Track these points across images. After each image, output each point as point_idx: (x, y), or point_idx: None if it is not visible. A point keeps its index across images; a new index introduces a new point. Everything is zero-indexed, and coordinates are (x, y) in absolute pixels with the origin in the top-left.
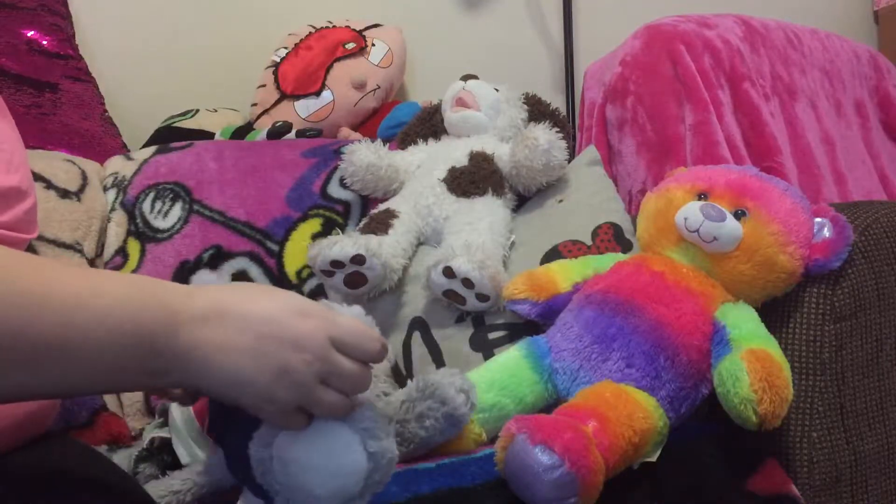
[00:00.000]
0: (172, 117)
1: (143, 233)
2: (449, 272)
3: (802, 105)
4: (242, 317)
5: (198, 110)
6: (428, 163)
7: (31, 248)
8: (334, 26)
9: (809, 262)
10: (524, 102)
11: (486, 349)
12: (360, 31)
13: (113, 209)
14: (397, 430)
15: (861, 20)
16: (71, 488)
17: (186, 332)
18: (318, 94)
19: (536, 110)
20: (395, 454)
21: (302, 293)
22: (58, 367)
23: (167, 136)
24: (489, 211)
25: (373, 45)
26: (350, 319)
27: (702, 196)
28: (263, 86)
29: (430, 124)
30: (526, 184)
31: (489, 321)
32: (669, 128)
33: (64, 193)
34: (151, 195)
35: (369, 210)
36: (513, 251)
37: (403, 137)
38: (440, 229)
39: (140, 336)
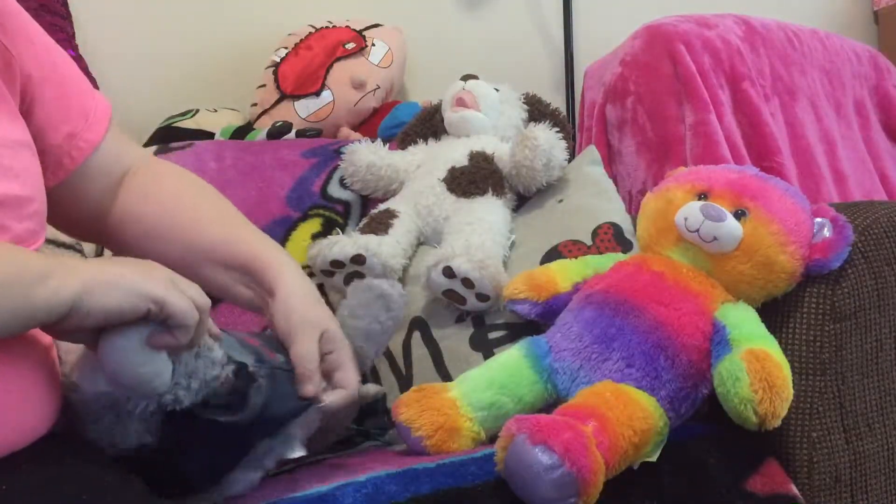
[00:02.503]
0: (172, 117)
1: None
2: (449, 272)
3: (802, 105)
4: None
5: (198, 110)
6: (428, 163)
7: None
8: (334, 26)
9: (809, 262)
10: (524, 102)
11: (486, 349)
12: (360, 31)
13: None
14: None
15: (861, 20)
16: (72, 487)
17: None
18: (318, 94)
19: (536, 110)
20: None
21: None
22: None
23: (167, 136)
24: (489, 211)
25: (373, 45)
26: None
27: (702, 196)
28: (263, 86)
29: (430, 124)
30: (526, 184)
31: (489, 321)
32: (669, 128)
33: None
34: None
35: (369, 210)
36: (513, 251)
37: (403, 137)
38: (440, 229)
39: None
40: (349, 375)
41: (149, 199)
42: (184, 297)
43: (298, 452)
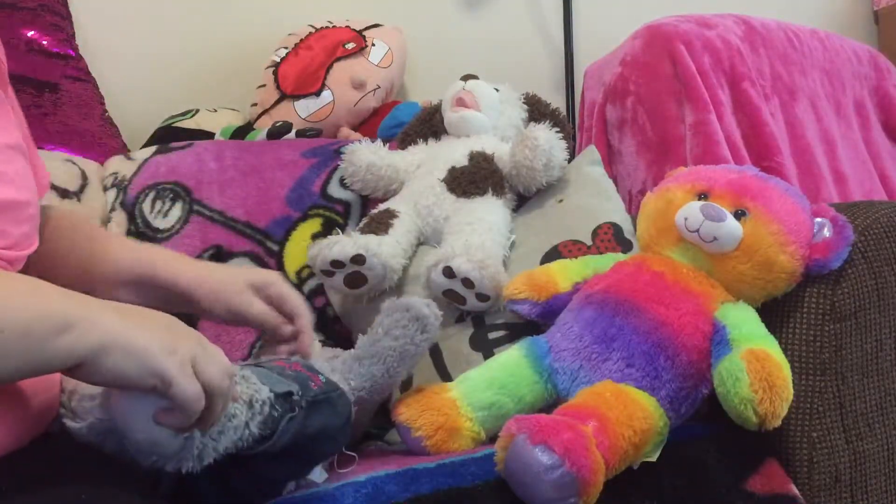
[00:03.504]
0: (172, 117)
1: (143, 233)
2: (449, 272)
3: (802, 105)
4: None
5: (198, 110)
6: (428, 163)
7: None
8: (334, 26)
9: (809, 262)
10: (524, 102)
11: (486, 349)
12: (360, 31)
13: (113, 209)
14: (373, 352)
15: (861, 20)
16: (71, 487)
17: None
18: (318, 94)
19: (536, 110)
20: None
21: (302, 293)
22: None
23: (167, 136)
24: (489, 211)
25: (373, 45)
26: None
27: (702, 196)
28: (263, 86)
29: (430, 124)
30: (526, 184)
31: (489, 321)
32: (669, 128)
33: (64, 193)
34: (151, 195)
35: (369, 210)
36: (513, 251)
37: (403, 137)
38: (440, 229)
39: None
40: (302, 311)
41: (52, 234)
42: (194, 382)
43: (323, 476)
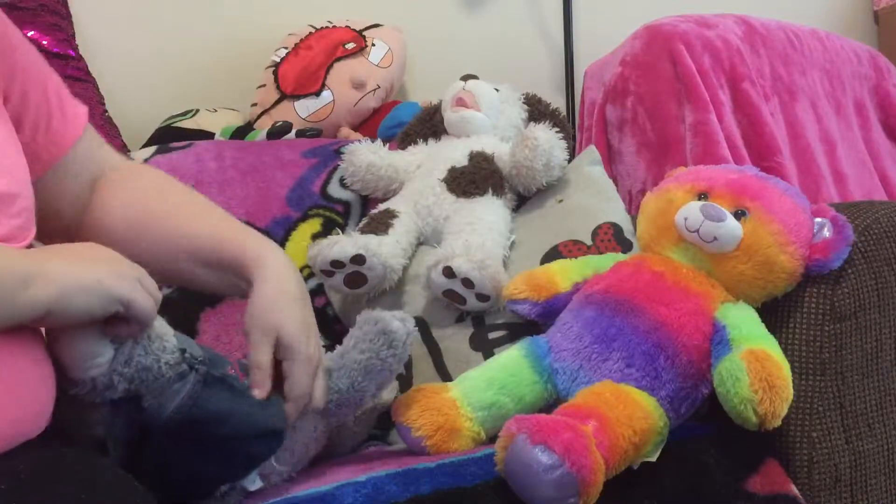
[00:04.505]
0: (172, 117)
1: None
2: (449, 272)
3: (802, 105)
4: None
5: (198, 110)
6: (428, 163)
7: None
8: (334, 26)
9: (809, 262)
10: (524, 102)
11: (486, 349)
12: (360, 31)
13: None
14: (341, 364)
15: (861, 20)
16: (67, 488)
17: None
18: (318, 94)
19: (536, 110)
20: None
21: None
22: None
23: (167, 136)
24: (489, 211)
25: (373, 45)
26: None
27: (702, 196)
28: (263, 86)
29: (430, 124)
30: (526, 184)
31: (489, 321)
32: (669, 128)
33: None
34: None
35: (369, 210)
36: (513, 251)
37: (403, 137)
38: (440, 229)
39: None
40: (296, 387)
41: (136, 193)
42: (148, 297)
43: (257, 485)
